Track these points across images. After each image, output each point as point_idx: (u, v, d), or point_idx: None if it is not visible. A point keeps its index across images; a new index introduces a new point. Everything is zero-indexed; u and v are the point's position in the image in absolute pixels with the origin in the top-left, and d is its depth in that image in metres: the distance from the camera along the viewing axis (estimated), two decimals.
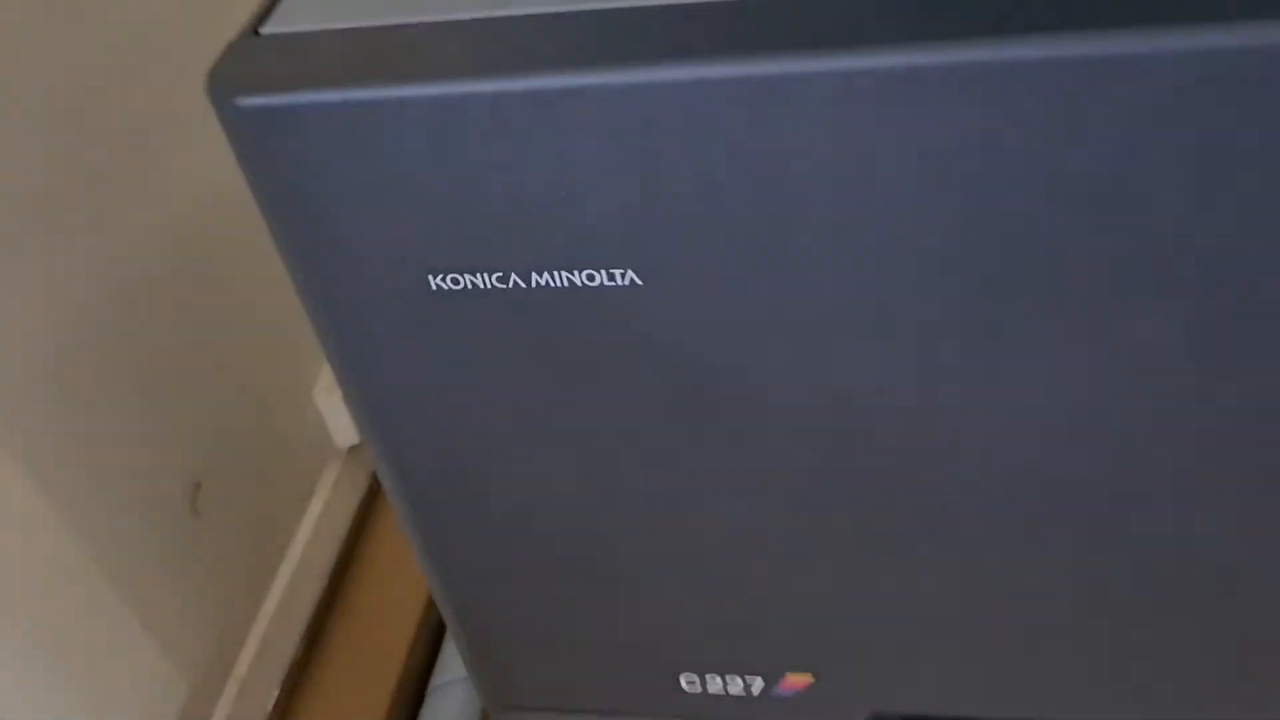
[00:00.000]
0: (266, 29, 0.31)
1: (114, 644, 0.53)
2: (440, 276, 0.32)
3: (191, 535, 0.58)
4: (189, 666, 0.58)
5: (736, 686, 0.46)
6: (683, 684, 0.46)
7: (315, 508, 0.70)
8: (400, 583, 0.68)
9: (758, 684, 0.45)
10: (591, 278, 0.32)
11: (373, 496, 0.74)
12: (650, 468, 0.38)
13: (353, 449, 0.73)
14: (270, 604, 0.65)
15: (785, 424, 0.36)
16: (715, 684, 0.46)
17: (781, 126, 0.27)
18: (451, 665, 0.65)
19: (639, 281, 0.32)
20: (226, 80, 0.30)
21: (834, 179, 0.28)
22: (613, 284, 0.32)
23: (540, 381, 0.36)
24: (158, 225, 0.56)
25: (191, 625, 0.59)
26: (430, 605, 0.67)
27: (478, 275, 0.31)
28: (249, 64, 0.30)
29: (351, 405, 0.39)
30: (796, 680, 0.45)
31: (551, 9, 0.30)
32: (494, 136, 0.30)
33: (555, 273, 0.32)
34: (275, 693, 0.62)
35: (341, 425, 0.72)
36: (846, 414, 0.35)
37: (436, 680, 0.65)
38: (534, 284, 0.32)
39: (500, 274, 0.32)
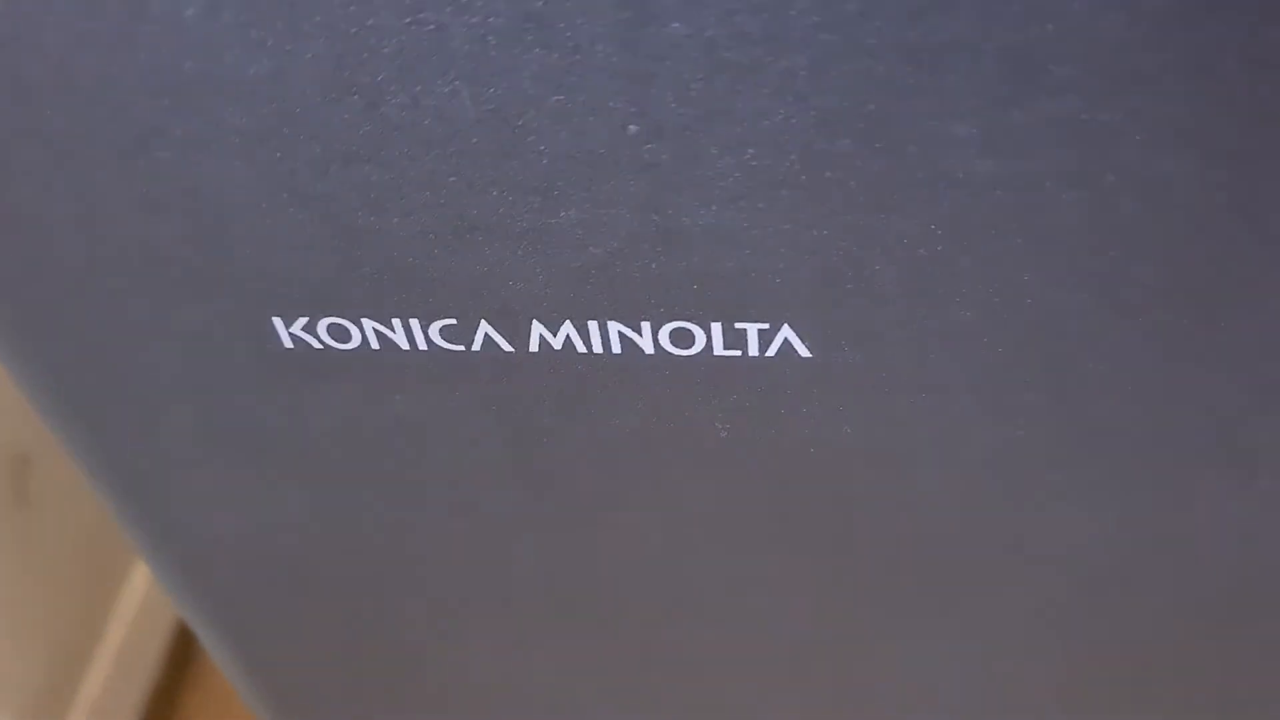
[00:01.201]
0: None
1: None
2: (302, 324, 0.17)
3: (13, 530, 0.47)
4: (9, 712, 0.47)
5: None
6: None
7: None
8: None
9: None
10: (686, 339, 0.17)
11: None
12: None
13: None
14: (120, 620, 0.54)
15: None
16: None
17: None
18: None
19: (803, 352, 0.17)
20: None
21: None
22: (734, 355, 0.18)
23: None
24: None
25: (12, 655, 0.47)
26: None
27: (392, 325, 0.17)
28: None
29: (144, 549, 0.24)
30: None
31: None
32: None
33: (598, 326, 0.17)
34: None
35: None
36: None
37: None
38: (534, 345, 0.17)
39: (451, 322, 0.16)
